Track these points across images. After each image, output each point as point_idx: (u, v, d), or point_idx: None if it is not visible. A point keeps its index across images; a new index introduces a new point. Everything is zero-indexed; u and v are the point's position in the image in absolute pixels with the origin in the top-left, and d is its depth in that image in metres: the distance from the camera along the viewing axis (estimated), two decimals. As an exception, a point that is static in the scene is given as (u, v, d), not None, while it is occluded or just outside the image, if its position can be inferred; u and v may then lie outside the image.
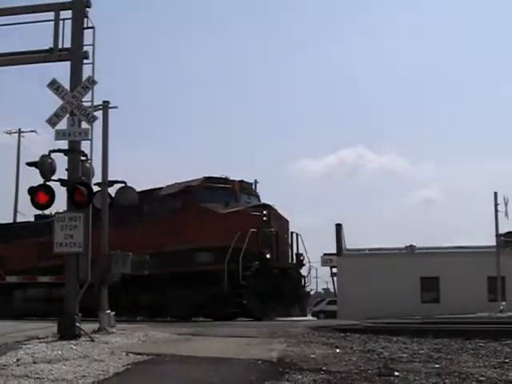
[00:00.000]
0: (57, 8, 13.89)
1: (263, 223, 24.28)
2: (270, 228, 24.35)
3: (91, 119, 13.28)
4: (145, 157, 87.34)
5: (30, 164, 13.84)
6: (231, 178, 25.70)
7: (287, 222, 26.12)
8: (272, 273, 23.91)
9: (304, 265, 25.42)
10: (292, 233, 25.67)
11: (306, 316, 31.01)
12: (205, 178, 25.34)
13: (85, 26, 13.74)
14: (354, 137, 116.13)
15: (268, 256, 24.06)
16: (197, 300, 23.86)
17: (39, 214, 30.74)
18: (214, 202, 24.68)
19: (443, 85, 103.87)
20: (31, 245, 30.26)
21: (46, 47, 13.96)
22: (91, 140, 13.28)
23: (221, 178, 25.53)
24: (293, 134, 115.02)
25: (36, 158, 13.51)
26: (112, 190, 16.92)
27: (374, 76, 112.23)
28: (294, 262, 25.32)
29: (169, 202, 25.74)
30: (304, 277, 25.31)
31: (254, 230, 23.47)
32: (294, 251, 25.46)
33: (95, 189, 15.26)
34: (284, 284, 24.03)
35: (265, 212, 24.59)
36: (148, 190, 26.00)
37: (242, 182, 25.98)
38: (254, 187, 29.26)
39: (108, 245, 15.92)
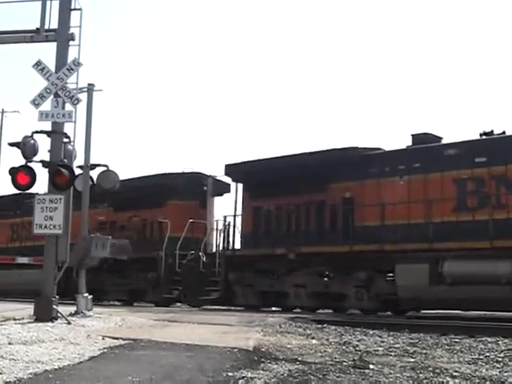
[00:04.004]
0: (44, -12, 13.79)
1: None
2: None
3: (75, 101, 13.22)
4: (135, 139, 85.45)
5: (12, 144, 13.77)
6: None
7: None
8: None
9: None
10: None
11: None
12: None
13: (72, 7, 13.67)
14: None
15: None
16: None
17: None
18: None
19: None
20: None
21: (33, 28, 13.88)
22: (75, 122, 13.26)
23: None
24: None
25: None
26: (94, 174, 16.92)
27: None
28: None
29: None
30: None
31: None
32: None
33: (77, 171, 15.24)
34: None
35: None
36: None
37: None
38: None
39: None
